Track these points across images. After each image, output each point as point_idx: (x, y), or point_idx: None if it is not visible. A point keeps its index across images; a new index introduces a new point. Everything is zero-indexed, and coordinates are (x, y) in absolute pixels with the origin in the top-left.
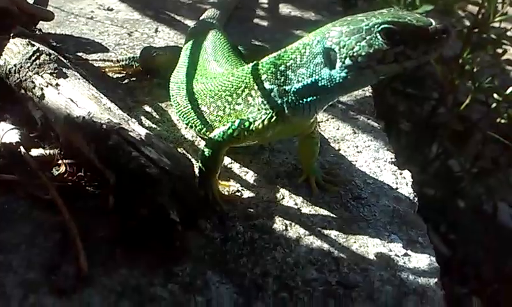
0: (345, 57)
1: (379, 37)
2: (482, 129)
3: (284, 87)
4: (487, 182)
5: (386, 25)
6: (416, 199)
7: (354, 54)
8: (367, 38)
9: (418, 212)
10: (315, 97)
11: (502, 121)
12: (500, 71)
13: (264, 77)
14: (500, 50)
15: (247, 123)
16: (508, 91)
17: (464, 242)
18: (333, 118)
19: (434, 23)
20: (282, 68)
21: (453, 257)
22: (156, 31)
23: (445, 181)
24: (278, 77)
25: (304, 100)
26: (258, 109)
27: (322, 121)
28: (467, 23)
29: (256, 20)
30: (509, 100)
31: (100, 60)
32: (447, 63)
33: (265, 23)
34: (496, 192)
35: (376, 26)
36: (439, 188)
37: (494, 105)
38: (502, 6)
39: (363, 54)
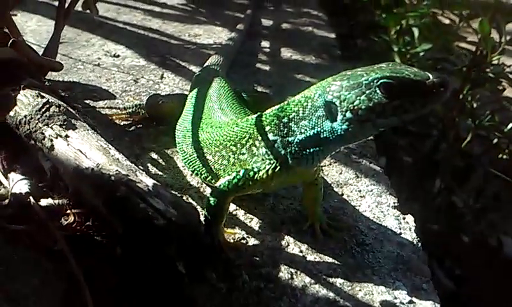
0: (346, 111)
1: (378, 91)
2: (484, 165)
3: (287, 138)
4: (490, 217)
5: (385, 80)
6: (420, 244)
7: (355, 108)
8: (367, 92)
9: (422, 248)
10: (317, 148)
11: (504, 156)
12: (500, 107)
13: (267, 128)
14: (499, 87)
15: (251, 173)
16: (508, 128)
17: (470, 277)
18: (335, 162)
19: (431, 77)
20: (285, 120)
21: (458, 292)
22: (162, 77)
23: (449, 217)
24: (281, 128)
25: (307, 150)
26: (263, 159)
27: (325, 166)
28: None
29: (258, 65)
30: (510, 136)
31: (107, 107)
32: (447, 100)
33: (267, 67)
34: (499, 227)
35: (375, 81)
36: (443, 224)
37: (495, 140)
38: (500, 44)
39: (363, 107)
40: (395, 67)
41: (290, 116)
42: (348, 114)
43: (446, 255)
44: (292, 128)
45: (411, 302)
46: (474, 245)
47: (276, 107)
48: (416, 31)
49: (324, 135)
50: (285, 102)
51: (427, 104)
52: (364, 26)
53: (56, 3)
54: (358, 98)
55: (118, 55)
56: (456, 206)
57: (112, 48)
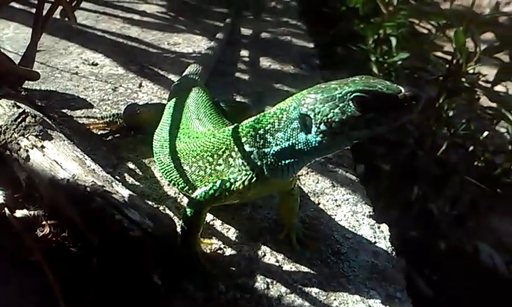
0: (320, 123)
1: (351, 104)
2: (460, 172)
3: (263, 149)
4: (467, 225)
5: (357, 94)
6: (394, 253)
7: (329, 120)
8: (340, 105)
9: (400, 256)
10: (293, 159)
11: (479, 164)
12: (475, 116)
13: (244, 139)
14: (475, 96)
15: (228, 184)
16: (483, 136)
17: (447, 283)
18: (312, 172)
19: (403, 90)
20: (261, 131)
21: (437, 299)
22: (140, 85)
23: (426, 224)
24: (257, 140)
25: (283, 162)
26: (239, 170)
27: (301, 175)
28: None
29: (237, 74)
30: (485, 145)
31: (84, 117)
32: (424, 108)
33: (246, 76)
34: (475, 234)
35: (348, 94)
36: (420, 231)
37: (471, 148)
38: (475, 53)
39: (337, 120)
40: (368, 80)
41: (266, 128)
42: (322, 127)
43: (424, 262)
44: (268, 140)
45: None
46: (451, 252)
47: (253, 118)
48: (394, 41)
49: (299, 147)
50: (261, 114)
51: (400, 117)
52: (343, 36)
53: (34, 10)
54: (332, 111)
55: (96, 64)
56: (433, 214)
57: (90, 57)
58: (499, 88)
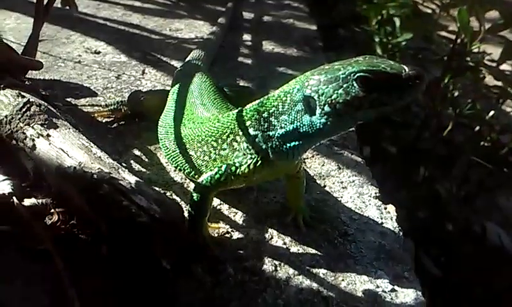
0: (324, 105)
1: (355, 85)
2: (467, 152)
3: (268, 133)
4: (474, 205)
5: (361, 74)
6: (401, 233)
7: (333, 101)
8: (344, 86)
9: (408, 237)
10: (298, 142)
11: (486, 144)
12: (481, 96)
13: (248, 123)
14: (481, 75)
15: (233, 168)
16: (489, 116)
17: (456, 263)
18: (317, 154)
19: (407, 69)
20: (265, 114)
21: (445, 279)
22: (143, 72)
23: (434, 205)
24: (262, 123)
25: (288, 144)
26: (244, 154)
27: (307, 158)
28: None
29: (240, 58)
30: (491, 124)
31: (88, 105)
32: (429, 88)
33: (249, 61)
34: (483, 214)
35: (351, 74)
36: (428, 212)
37: (477, 128)
38: (479, 32)
39: (341, 101)
40: (372, 60)
41: (270, 111)
42: (326, 108)
43: (432, 243)
44: (273, 123)
45: (393, 290)
46: (459, 232)
47: (257, 102)
48: (397, 21)
49: (304, 129)
50: (265, 97)
51: (404, 96)
52: (345, 17)
53: (35, 0)
54: (336, 92)
55: (99, 52)
56: (440, 195)
57: (92, 45)
58: (504, 67)
